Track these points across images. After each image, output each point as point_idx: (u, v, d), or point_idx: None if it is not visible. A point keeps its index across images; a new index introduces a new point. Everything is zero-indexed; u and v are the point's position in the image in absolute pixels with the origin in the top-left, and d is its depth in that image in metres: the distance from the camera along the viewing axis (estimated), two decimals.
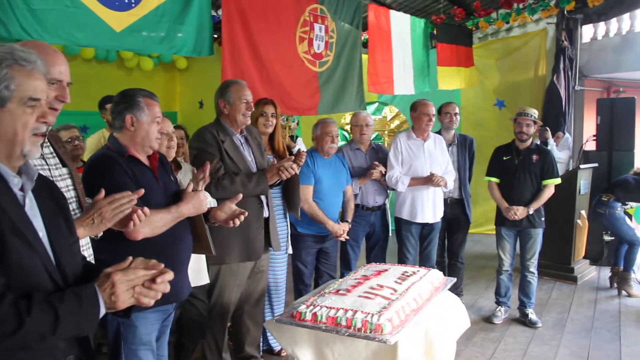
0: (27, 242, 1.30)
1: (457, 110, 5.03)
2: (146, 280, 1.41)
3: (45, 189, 1.47)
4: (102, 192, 1.92)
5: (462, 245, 5.16)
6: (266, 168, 3.41)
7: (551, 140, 7.10)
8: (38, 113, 1.36)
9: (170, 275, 1.44)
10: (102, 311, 1.36)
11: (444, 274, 4.67)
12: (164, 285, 1.42)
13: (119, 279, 1.36)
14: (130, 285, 1.38)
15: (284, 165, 3.31)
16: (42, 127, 1.37)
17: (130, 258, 1.46)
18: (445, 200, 4.88)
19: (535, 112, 4.77)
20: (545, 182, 4.71)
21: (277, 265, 3.95)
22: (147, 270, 1.41)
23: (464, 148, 5.05)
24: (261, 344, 3.90)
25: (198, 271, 3.26)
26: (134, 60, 9.09)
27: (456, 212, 5.01)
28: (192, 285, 3.14)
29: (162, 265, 1.46)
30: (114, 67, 9.07)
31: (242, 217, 2.66)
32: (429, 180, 4.49)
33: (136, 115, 2.38)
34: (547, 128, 7.15)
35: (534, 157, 4.72)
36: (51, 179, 1.99)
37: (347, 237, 4.20)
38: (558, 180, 4.77)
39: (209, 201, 3.12)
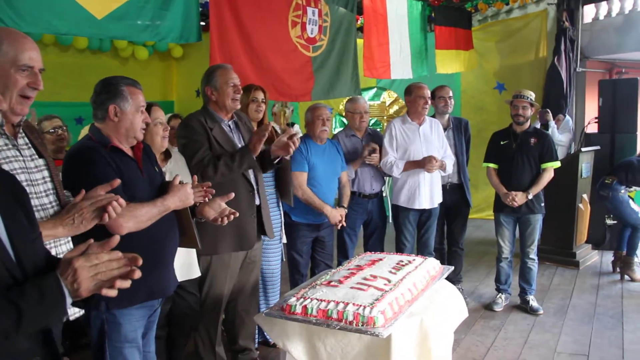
0: None
1: (450, 93, 4.89)
2: (121, 271, 1.32)
3: (3, 183, 1.38)
4: (82, 193, 1.86)
5: (463, 231, 5.06)
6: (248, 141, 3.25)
7: (552, 123, 6.99)
8: None
9: (139, 261, 1.35)
10: (68, 300, 1.27)
11: (444, 261, 4.65)
12: (127, 283, 1.33)
13: (81, 265, 1.27)
14: (94, 271, 1.28)
15: (261, 131, 3.09)
16: None
17: (91, 240, 1.37)
18: (444, 186, 4.78)
19: (532, 94, 4.66)
20: (544, 165, 4.60)
21: (271, 255, 3.87)
22: (110, 254, 1.31)
23: (459, 131, 4.94)
24: (257, 336, 3.82)
25: (189, 265, 3.18)
26: (128, 50, 8.97)
27: (456, 198, 4.91)
28: (184, 278, 3.08)
29: (132, 255, 1.36)
30: (108, 56, 8.94)
31: (232, 217, 2.57)
32: (424, 163, 4.36)
33: (120, 105, 2.27)
34: (548, 110, 7.03)
35: (532, 140, 4.61)
36: (26, 170, 1.91)
37: (344, 224, 4.11)
38: (557, 164, 4.65)
39: None
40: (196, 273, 3.22)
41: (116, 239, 1.36)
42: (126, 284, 1.33)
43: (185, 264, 3.12)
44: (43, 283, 1.25)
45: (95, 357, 2.37)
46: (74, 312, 2.04)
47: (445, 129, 4.80)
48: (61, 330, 2.14)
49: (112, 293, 1.32)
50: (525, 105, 4.58)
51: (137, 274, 1.34)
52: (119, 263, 1.33)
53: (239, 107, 3.34)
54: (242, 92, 3.35)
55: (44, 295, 1.23)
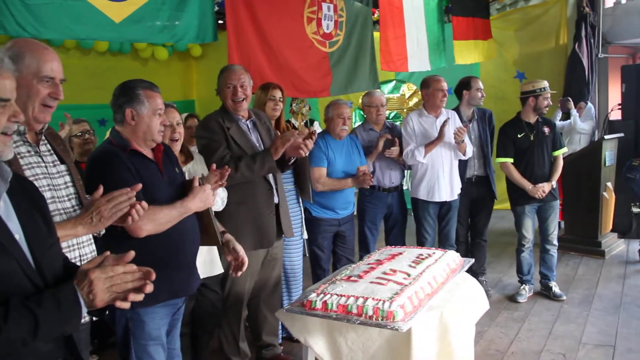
0: (1, 247, 1.26)
1: (481, 85, 4.83)
2: (135, 284, 1.36)
3: (21, 190, 1.42)
4: (101, 190, 1.88)
5: (487, 224, 5.02)
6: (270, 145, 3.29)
7: (574, 111, 6.89)
8: (9, 113, 1.30)
9: (153, 275, 1.38)
10: (84, 310, 1.31)
11: (468, 255, 4.64)
12: (140, 296, 1.37)
13: (97, 277, 1.31)
14: (109, 283, 1.33)
15: (285, 137, 3.14)
16: (13, 127, 1.32)
17: (108, 253, 1.41)
18: (469, 179, 4.77)
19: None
20: (555, 153, 4.66)
21: (293, 251, 3.90)
22: (125, 267, 1.36)
23: (484, 123, 4.87)
24: (280, 331, 3.87)
25: (211, 262, 3.23)
26: (148, 51, 9.06)
27: (481, 190, 4.86)
28: (206, 275, 3.13)
29: (146, 269, 1.40)
30: (128, 58, 9.04)
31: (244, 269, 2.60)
32: (442, 135, 4.33)
33: (136, 109, 2.30)
34: (569, 98, 6.93)
35: (546, 129, 4.63)
36: (48, 176, 1.96)
37: (370, 183, 4.03)
38: (565, 149, 4.76)
39: (222, 198, 3.08)
40: (218, 269, 3.26)
41: (131, 254, 1.40)
42: (139, 297, 1.37)
43: (207, 261, 3.17)
44: (60, 293, 1.29)
45: (121, 355, 2.42)
46: None
47: (470, 120, 4.77)
48: (89, 331, 2.18)
49: (126, 305, 1.36)
50: (549, 95, 4.60)
51: (150, 288, 1.38)
52: (134, 276, 1.37)
53: (243, 107, 3.34)
54: (247, 93, 3.34)
55: (61, 304, 1.27)
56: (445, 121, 4.36)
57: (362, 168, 4.20)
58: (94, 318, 1.61)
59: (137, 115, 2.31)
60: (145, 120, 2.32)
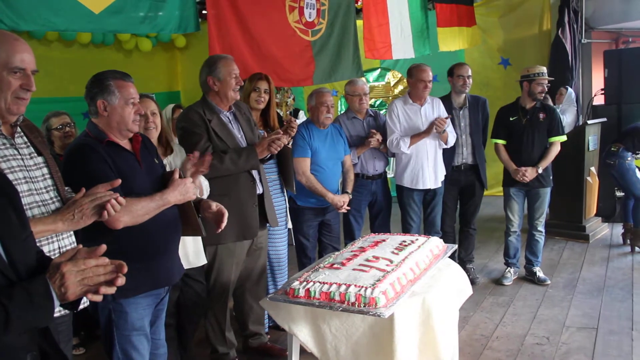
0: None
1: (470, 72, 4.78)
2: (107, 277, 1.36)
3: None
4: (83, 191, 1.92)
5: (476, 212, 5.01)
6: (256, 142, 3.32)
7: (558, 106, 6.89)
8: None
9: (125, 268, 1.38)
10: (56, 303, 1.31)
11: (455, 242, 4.67)
12: (111, 289, 1.36)
13: (69, 270, 1.31)
14: (81, 276, 1.32)
15: (272, 138, 3.22)
16: None
17: (80, 246, 1.41)
18: (459, 167, 4.77)
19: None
20: (551, 139, 4.66)
21: (278, 241, 3.91)
22: (97, 260, 1.35)
23: (476, 111, 4.82)
24: (267, 320, 3.88)
25: (197, 252, 3.22)
26: (132, 42, 8.96)
27: (470, 179, 4.84)
28: (191, 266, 3.13)
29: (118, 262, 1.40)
30: (112, 50, 8.94)
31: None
32: (430, 130, 4.36)
33: (107, 100, 2.29)
34: (548, 96, 6.96)
35: (541, 115, 4.64)
36: (24, 168, 1.95)
37: (348, 208, 4.14)
38: (564, 137, 4.72)
39: (205, 186, 3.07)
40: (203, 260, 3.26)
41: (103, 248, 1.39)
42: (111, 290, 1.36)
43: (193, 251, 3.17)
44: (32, 287, 1.28)
45: (105, 346, 2.43)
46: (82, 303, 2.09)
47: (460, 108, 4.76)
48: (70, 324, 2.18)
49: (98, 298, 1.36)
50: (545, 81, 4.62)
51: (121, 281, 1.37)
52: (106, 269, 1.36)
53: (238, 97, 3.36)
54: (243, 82, 3.37)
55: (33, 298, 1.27)
56: (438, 118, 4.39)
57: (347, 158, 4.22)
58: (73, 311, 1.61)
59: (109, 105, 2.30)
60: (117, 111, 2.31)
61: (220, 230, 2.56)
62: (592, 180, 6.08)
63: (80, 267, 1.32)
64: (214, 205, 2.56)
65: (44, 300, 1.29)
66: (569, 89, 6.97)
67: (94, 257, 1.35)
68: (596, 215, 6.34)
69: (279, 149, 3.25)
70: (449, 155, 4.70)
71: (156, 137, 3.05)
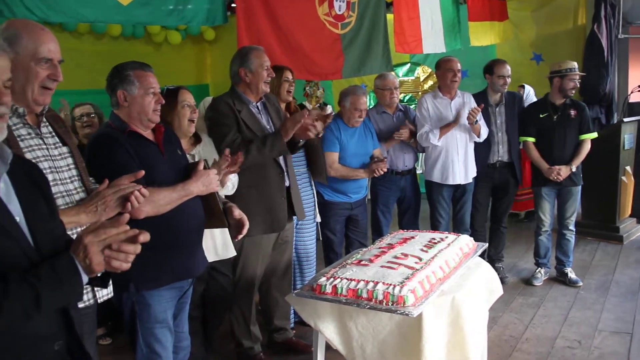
0: (2, 228, 1.24)
1: (510, 72, 4.63)
2: (117, 242, 1.32)
3: (23, 172, 1.40)
4: (106, 182, 1.91)
5: (507, 210, 4.93)
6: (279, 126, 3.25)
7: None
8: None
9: (147, 235, 1.35)
10: (84, 277, 1.30)
11: (486, 241, 4.56)
12: (134, 246, 1.32)
13: (90, 241, 1.28)
14: (103, 245, 1.29)
15: (297, 118, 3.10)
16: (2, 108, 1.30)
17: (103, 219, 1.39)
18: (493, 164, 4.66)
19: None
20: (582, 137, 4.53)
21: (306, 235, 3.88)
22: (118, 229, 1.32)
23: (512, 107, 4.68)
24: (293, 315, 3.85)
25: (225, 244, 3.18)
26: (161, 35, 9.01)
27: (505, 176, 4.72)
28: (220, 258, 3.11)
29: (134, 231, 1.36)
30: (142, 42, 9.00)
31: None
32: (458, 119, 4.30)
33: (127, 90, 2.29)
34: (524, 85, 6.78)
35: (572, 112, 4.50)
36: (50, 158, 1.94)
37: (384, 170, 4.02)
38: (595, 135, 4.60)
39: (232, 183, 3.05)
40: (232, 252, 3.22)
41: (126, 217, 1.36)
42: (136, 247, 1.33)
43: (220, 244, 3.14)
44: (57, 263, 1.27)
45: (128, 338, 2.43)
46: (103, 295, 2.08)
47: (497, 105, 4.65)
48: (95, 315, 2.17)
49: (125, 267, 1.33)
50: (577, 77, 4.50)
51: (144, 238, 1.33)
52: (127, 234, 1.33)
53: (268, 90, 3.32)
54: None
55: (59, 273, 1.26)
56: (472, 108, 4.30)
57: (377, 152, 4.14)
58: (104, 288, 1.58)
59: (129, 95, 2.31)
60: (137, 101, 2.31)
61: (239, 237, 2.57)
62: (627, 180, 5.90)
63: (101, 237, 1.29)
64: (237, 213, 2.54)
65: (71, 275, 1.27)
66: (526, 86, 6.79)
67: (116, 226, 1.32)
68: (631, 216, 6.16)
69: (315, 133, 3.18)
70: (484, 152, 4.59)
71: (194, 129, 3.02)
